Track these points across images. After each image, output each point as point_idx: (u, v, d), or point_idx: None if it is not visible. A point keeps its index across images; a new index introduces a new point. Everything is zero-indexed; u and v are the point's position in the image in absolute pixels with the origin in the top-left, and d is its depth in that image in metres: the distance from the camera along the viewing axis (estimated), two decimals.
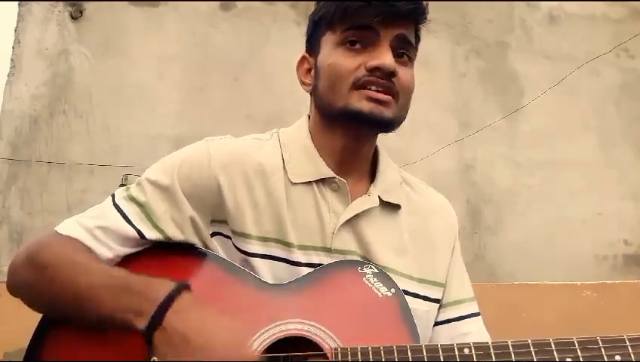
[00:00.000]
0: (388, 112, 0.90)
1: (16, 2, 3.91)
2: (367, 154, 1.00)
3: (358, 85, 0.89)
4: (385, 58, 0.88)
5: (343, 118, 0.91)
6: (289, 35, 4.15)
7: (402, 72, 0.91)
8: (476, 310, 1.02)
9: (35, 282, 0.87)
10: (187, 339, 0.75)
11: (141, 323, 0.77)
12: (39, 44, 3.88)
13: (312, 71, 0.98)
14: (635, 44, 4.58)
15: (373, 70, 0.89)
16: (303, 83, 1.01)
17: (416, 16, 0.93)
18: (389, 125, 0.92)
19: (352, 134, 0.95)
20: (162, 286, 0.79)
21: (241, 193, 0.91)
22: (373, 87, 0.89)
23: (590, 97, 4.57)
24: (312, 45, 0.99)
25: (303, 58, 1.01)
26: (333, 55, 0.92)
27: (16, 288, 0.90)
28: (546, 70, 4.51)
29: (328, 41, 0.94)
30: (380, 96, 0.89)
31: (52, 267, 0.85)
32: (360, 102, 0.89)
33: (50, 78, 3.84)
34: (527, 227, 4.20)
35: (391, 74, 0.89)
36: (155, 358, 0.78)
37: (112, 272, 0.85)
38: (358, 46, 0.91)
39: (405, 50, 0.93)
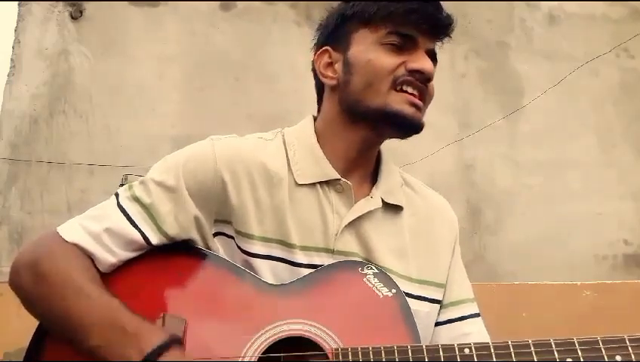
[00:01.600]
0: (422, 118, 0.94)
1: (16, 2, 3.91)
2: (373, 156, 1.01)
3: (397, 84, 0.91)
4: (426, 63, 0.92)
5: (377, 116, 0.92)
6: (289, 35, 4.15)
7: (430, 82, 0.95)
8: (476, 311, 1.02)
9: (33, 292, 0.87)
10: None
11: None
12: (39, 44, 3.88)
13: (337, 65, 0.98)
14: (635, 44, 4.58)
15: (413, 72, 0.91)
16: (323, 76, 0.99)
17: (450, 31, 0.96)
18: (419, 131, 0.94)
19: (372, 133, 0.95)
20: (153, 338, 0.78)
21: (245, 192, 0.91)
22: (410, 89, 0.91)
23: (590, 97, 4.57)
24: (338, 39, 0.98)
25: (325, 51, 1.00)
26: (372, 52, 0.92)
27: (16, 289, 0.90)
28: (546, 70, 4.51)
29: (365, 38, 0.94)
30: (419, 102, 0.92)
31: (50, 283, 0.85)
32: (401, 105, 0.91)
33: (50, 78, 3.84)
34: (527, 227, 4.20)
35: (428, 80, 0.92)
36: None
37: (107, 305, 0.83)
38: (398, 47, 0.92)
39: (433, 64, 0.96)
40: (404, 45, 0.92)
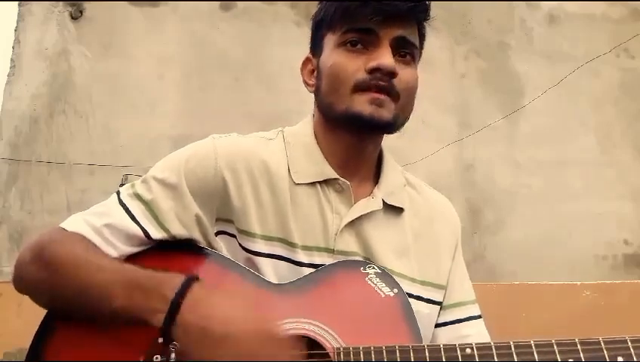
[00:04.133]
0: (387, 114, 0.89)
1: (16, 2, 3.91)
2: (371, 156, 1.00)
3: (360, 88, 0.89)
4: (384, 58, 0.88)
5: (344, 120, 0.91)
6: (289, 35, 4.15)
7: (403, 72, 0.91)
8: (477, 313, 1.01)
9: (44, 278, 0.86)
10: (205, 331, 0.75)
11: (157, 322, 0.77)
12: (39, 44, 3.87)
13: (316, 72, 0.98)
14: (635, 44, 4.58)
15: (372, 71, 0.88)
16: (306, 84, 1.01)
17: (415, 15, 0.93)
18: (389, 127, 0.92)
19: (354, 136, 0.95)
20: (172, 283, 0.79)
21: (247, 191, 0.91)
22: (374, 89, 0.89)
23: (590, 97, 4.57)
24: (315, 46, 0.99)
25: (307, 59, 1.02)
26: (333, 56, 0.92)
27: (23, 285, 0.90)
28: (546, 70, 4.50)
29: (329, 42, 0.94)
30: (380, 97, 0.89)
31: (63, 263, 0.85)
32: (361, 105, 0.89)
33: (50, 78, 3.84)
34: (527, 227, 4.20)
35: (390, 74, 0.89)
36: (157, 357, 0.78)
37: (123, 268, 0.84)
38: (359, 46, 0.91)
39: (407, 51, 0.93)
40: (364, 40, 0.90)
